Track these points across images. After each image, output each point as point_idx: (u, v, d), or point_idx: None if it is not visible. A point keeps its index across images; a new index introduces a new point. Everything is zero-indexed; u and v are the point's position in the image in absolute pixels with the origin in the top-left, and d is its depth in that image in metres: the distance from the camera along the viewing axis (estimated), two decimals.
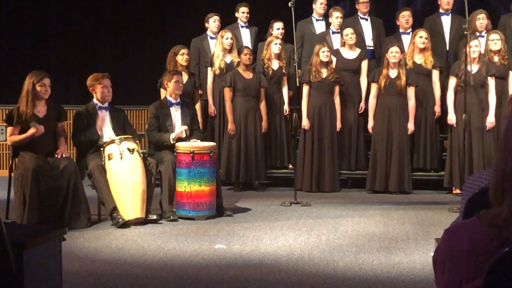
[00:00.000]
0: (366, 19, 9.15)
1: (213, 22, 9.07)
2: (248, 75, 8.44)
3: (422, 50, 8.40)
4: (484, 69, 7.95)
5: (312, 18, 9.28)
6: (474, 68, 7.91)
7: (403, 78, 8.19)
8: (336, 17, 8.94)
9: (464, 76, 7.77)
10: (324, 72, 8.40)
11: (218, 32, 8.84)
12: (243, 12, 9.24)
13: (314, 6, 9.25)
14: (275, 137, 8.80)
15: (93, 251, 5.52)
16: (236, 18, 9.33)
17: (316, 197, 8.00)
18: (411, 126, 8.31)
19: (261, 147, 8.50)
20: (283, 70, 8.67)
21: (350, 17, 9.41)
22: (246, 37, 9.32)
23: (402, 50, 8.46)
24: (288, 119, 8.79)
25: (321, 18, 9.26)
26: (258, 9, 9.41)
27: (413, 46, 8.45)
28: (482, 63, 7.97)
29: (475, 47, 7.88)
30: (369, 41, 9.01)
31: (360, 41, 8.85)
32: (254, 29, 9.35)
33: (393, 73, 8.25)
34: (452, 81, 8.07)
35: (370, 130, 8.41)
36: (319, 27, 9.25)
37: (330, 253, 5.43)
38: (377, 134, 8.33)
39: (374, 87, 8.36)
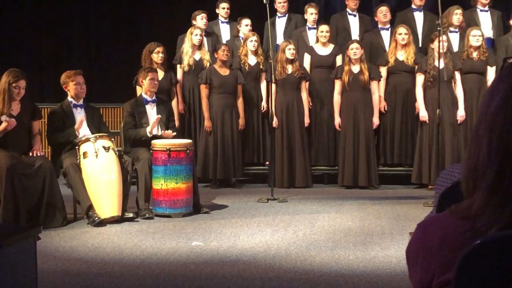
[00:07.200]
0: (355, 15, 9.15)
1: (200, 20, 9.04)
2: (225, 71, 8.42)
3: (404, 46, 8.43)
4: (450, 64, 8.02)
5: (276, 15, 9.28)
6: (440, 63, 7.96)
7: (366, 73, 8.23)
8: (311, 13, 8.95)
9: (436, 72, 7.81)
10: (290, 69, 8.41)
11: None
12: (223, 8, 9.25)
13: (275, 5, 9.25)
14: (253, 133, 8.81)
15: (69, 250, 5.49)
16: (217, 14, 9.33)
17: (292, 193, 8.01)
18: (376, 120, 8.36)
19: (238, 144, 8.50)
20: (261, 66, 8.66)
21: (338, 13, 9.44)
22: (225, 32, 9.32)
23: (381, 46, 8.50)
24: (265, 116, 8.79)
25: (283, 15, 9.26)
26: (232, 6, 9.38)
27: (395, 43, 8.48)
28: (449, 58, 8.03)
29: (444, 42, 7.94)
30: (355, 37, 9.01)
31: (346, 37, 8.86)
32: (234, 25, 9.32)
33: (355, 69, 8.27)
34: (420, 78, 8.13)
35: (337, 127, 8.44)
36: (280, 23, 9.25)
37: (307, 249, 5.46)
38: (344, 130, 8.36)
39: (337, 84, 8.37)
